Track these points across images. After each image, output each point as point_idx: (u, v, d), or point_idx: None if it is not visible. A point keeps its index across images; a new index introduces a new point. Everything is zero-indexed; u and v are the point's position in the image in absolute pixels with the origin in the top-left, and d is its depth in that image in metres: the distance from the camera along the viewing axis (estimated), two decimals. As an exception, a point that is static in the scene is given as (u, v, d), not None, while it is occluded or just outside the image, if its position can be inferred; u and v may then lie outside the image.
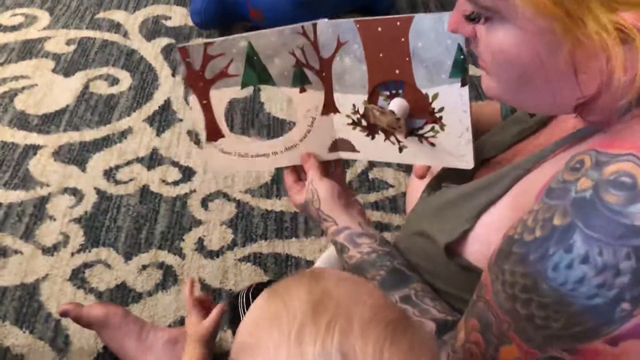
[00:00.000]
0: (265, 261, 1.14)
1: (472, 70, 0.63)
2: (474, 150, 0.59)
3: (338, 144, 0.70)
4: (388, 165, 1.35)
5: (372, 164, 1.36)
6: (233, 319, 0.90)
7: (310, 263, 1.12)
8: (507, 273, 0.42)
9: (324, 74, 0.65)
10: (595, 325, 0.37)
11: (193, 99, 0.68)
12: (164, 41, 1.74)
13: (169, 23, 1.82)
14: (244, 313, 0.86)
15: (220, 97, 0.68)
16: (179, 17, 1.85)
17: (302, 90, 0.67)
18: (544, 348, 0.40)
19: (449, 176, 0.64)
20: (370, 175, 1.33)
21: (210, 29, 1.75)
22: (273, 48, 0.64)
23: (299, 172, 0.73)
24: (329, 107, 0.67)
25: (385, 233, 1.20)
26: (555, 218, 0.39)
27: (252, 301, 0.86)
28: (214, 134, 0.71)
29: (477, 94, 1.59)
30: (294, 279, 0.42)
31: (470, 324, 0.47)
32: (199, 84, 0.67)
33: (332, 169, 0.72)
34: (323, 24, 0.62)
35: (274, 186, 1.30)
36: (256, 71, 0.66)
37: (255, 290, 0.89)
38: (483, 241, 0.50)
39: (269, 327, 0.37)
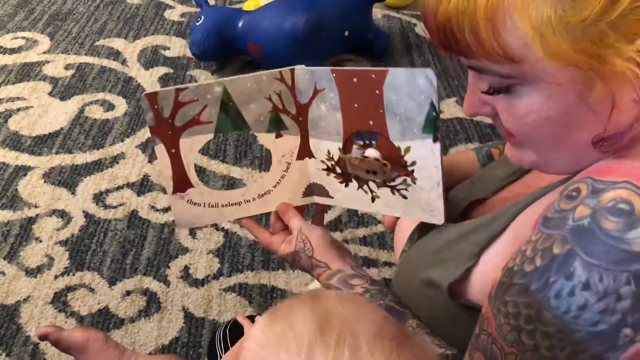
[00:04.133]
0: (250, 292, 1.14)
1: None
2: (445, 205, 0.59)
3: (312, 189, 0.69)
4: (377, 201, 1.36)
5: (361, 200, 1.37)
6: (210, 356, 0.89)
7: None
8: (509, 305, 0.42)
9: (300, 119, 0.65)
10: (600, 351, 0.38)
11: (160, 148, 0.64)
12: (162, 70, 1.76)
13: (167, 53, 1.85)
14: (222, 349, 0.85)
15: (191, 145, 0.65)
16: (178, 47, 1.89)
17: (278, 136, 0.66)
18: None
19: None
20: (360, 211, 1.34)
21: (208, 61, 1.78)
22: (249, 93, 0.63)
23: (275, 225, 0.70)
24: (305, 151, 0.67)
25: (372, 269, 1.20)
26: (555, 247, 0.40)
27: (230, 338, 0.86)
28: (182, 185, 0.67)
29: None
30: (294, 300, 0.41)
31: (475, 357, 0.46)
32: (167, 132, 0.63)
33: (311, 218, 0.71)
34: (300, 70, 0.62)
35: (262, 217, 1.30)
36: (230, 117, 0.64)
37: (233, 326, 0.88)
38: (486, 278, 0.50)
39: (275, 349, 0.36)
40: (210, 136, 0.65)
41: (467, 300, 0.53)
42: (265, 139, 0.66)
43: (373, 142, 0.60)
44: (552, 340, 0.39)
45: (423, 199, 0.60)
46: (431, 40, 0.46)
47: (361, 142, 0.61)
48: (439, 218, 0.60)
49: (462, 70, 0.50)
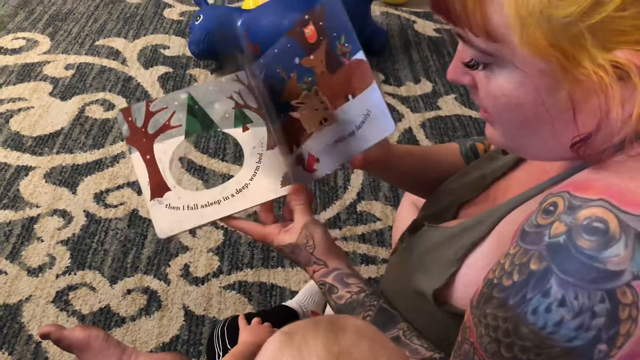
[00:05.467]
0: (250, 290, 1.15)
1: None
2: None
3: (289, 177, 0.69)
4: (376, 198, 1.37)
5: (360, 197, 1.37)
6: (209, 353, 0.90)
7: (294, 293, 1.12)
8: (489, 317, 0.43)
9: (262, 112, 0.69)
10: None
11: (136, 156, 0.68)
12: (161, 69, 1.77)
13: (167, 52, 1.86)
14: (219, 347, 0.86)
15: (165, 149, 0.69)
16: (177, 47, 1.89)
17: (245, 129, 0.70)
18: None
19: (431, 215, 0.66)
20: (358, 208, 1.35)
21: (208, 60, 1.79)
22: (212, 95, 0.69)
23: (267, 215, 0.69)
24: (273, 140, 0.70)
25: (371, 266, 1.21)
26: (532, 263, 0.40)
27: (227, 335, 0.86)
28: (159, 189, 0.69)
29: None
30: (312, 328, 0.40)
31: None
32: (142, 140, 0.69)
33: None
34: (251, 68, 0.69)
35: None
36: (198, 118, 0.70)
37: (231, 324, 0.88)
38: (470, 282, 0.51)
39: None
40: (182, 138, 0.70)
41: (452, 307, 0.54)
42: (234, 134, 0.70)
43: (314, 87, 0.64)
44: (529, 354, 0.40)
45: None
46: None
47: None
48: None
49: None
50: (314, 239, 0.64)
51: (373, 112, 0.60)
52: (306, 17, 0.58)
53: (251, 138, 0.69)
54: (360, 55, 0.59)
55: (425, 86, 1.80)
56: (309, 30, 0.60)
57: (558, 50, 0.39)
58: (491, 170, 0.62)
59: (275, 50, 0.64)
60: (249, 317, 0.81)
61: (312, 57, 0.61)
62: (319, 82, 0.63)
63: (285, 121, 0.68)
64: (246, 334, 0.76)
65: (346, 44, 0.59)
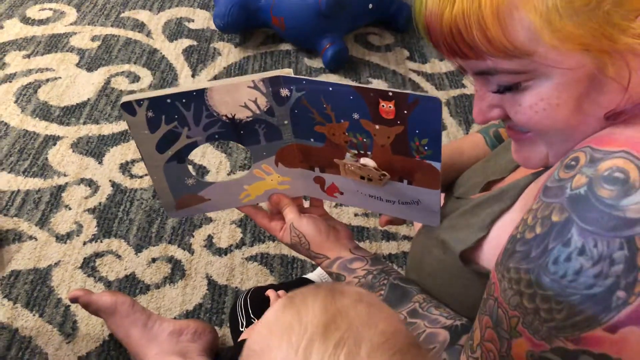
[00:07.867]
0: (271, 262, 1.16)
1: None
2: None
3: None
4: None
5: (382, 174, 1.37)
6: (232, 322, 0.92)
7: (315, 266, 1.14)
8: (512, 271, 0.44)
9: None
10: (594, 313, 0.39)
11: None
12: (186, 42, 1.78)
13: (191, 25, 1.86)
14: (243, 316, 0.88)
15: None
16: (202, 20, 1.89)
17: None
18: (550, 339, 0.42)
19: (461, 194, 0.66)
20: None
21: (232, 34, 1.79)
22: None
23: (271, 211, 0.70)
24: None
25: (392, 242, 1.22)
26: (553, 215, 0.41)
27: (250, 305, 0.88)
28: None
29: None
30: (312, 291, 0.41)
31: (484, 321, 0.49)
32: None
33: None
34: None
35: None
36: None
37: (254, 294, 0.90)
38: (497, 246, 0.52)
39: (279, 337, 0.38)
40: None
41: (478, 266, 0.55)
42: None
43: (369, 152, 0.60)
44: (550, 303, 0.41)
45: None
46: (436, 48, 0.47)
47: (355, 151, 0.61)
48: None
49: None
50: (305, 236, 0.65)
51: (424, 205, 0.60)
52: (390, 94, 0.53)
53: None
54: (437, 166, 0.56)
55: (450, 63, 1.77)
56: (387, 107, 0.54)
57: (591, 36, 0.40)
58: None
59: (330, 89, 0.56)
60: (273, 289, 0.83)
61: (377, 126, 0.56)
62: (375, 151, 0.59)
63: (308, 145, 0.63)
64: None
65: (426, 147, 0.55)
